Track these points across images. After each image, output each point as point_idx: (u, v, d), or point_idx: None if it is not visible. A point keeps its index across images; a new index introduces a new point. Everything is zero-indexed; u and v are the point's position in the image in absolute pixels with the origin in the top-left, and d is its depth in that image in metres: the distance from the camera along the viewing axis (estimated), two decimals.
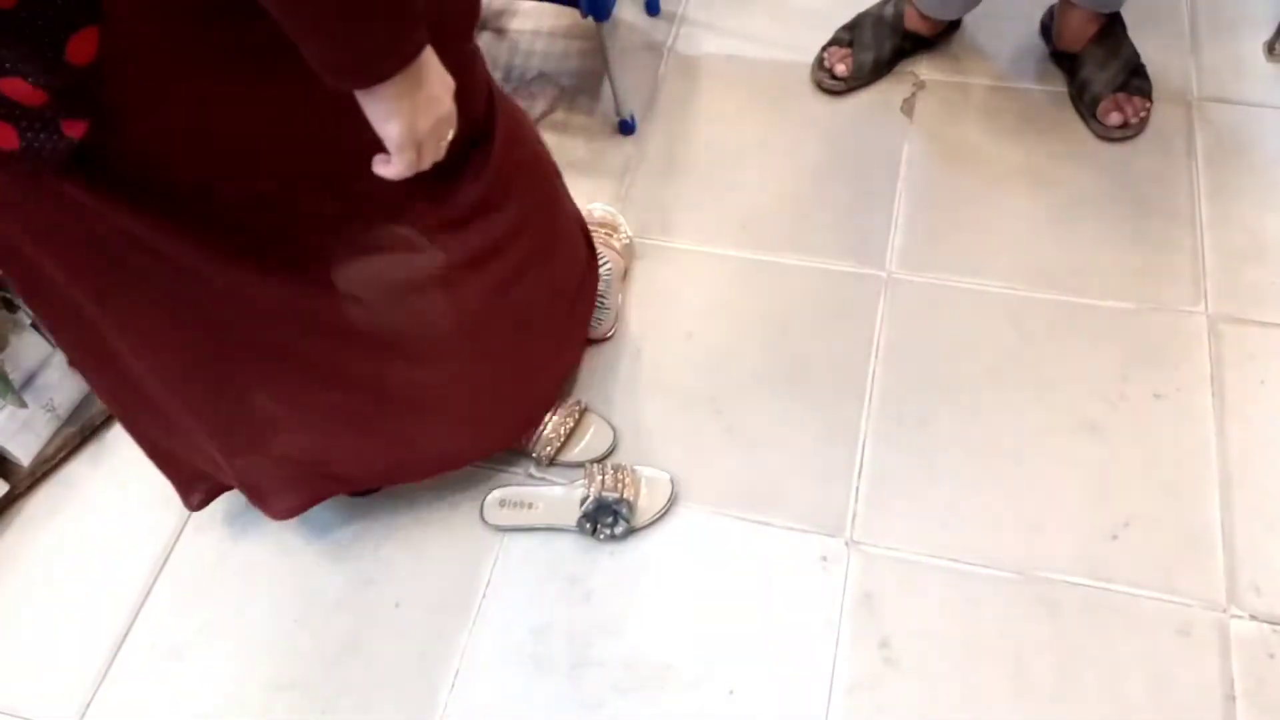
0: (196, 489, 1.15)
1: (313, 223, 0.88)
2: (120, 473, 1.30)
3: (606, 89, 1.59)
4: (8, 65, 0.61)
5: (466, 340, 1.11)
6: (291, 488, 1.13)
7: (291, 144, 0.79)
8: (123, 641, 1.18)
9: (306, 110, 0.75)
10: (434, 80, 0.72)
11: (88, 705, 1.14)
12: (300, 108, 0.75)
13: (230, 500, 1.24)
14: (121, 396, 1.02)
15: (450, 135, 0.78)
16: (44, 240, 0.80)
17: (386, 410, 1.07)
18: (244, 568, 1.22)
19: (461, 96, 0.82)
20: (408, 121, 0.71)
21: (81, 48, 0.63)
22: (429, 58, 0.70)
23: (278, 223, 0.86)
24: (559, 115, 1.61)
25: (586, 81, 1.65)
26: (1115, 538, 1.15)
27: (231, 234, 0.84)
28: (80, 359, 0.97)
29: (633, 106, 1.57)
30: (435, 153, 0.77)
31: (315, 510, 1.22)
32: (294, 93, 0.73)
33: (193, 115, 0.73)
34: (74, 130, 0.67)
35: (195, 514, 1.25)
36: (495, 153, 0.97)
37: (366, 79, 0.67)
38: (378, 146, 0.74)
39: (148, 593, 1.21)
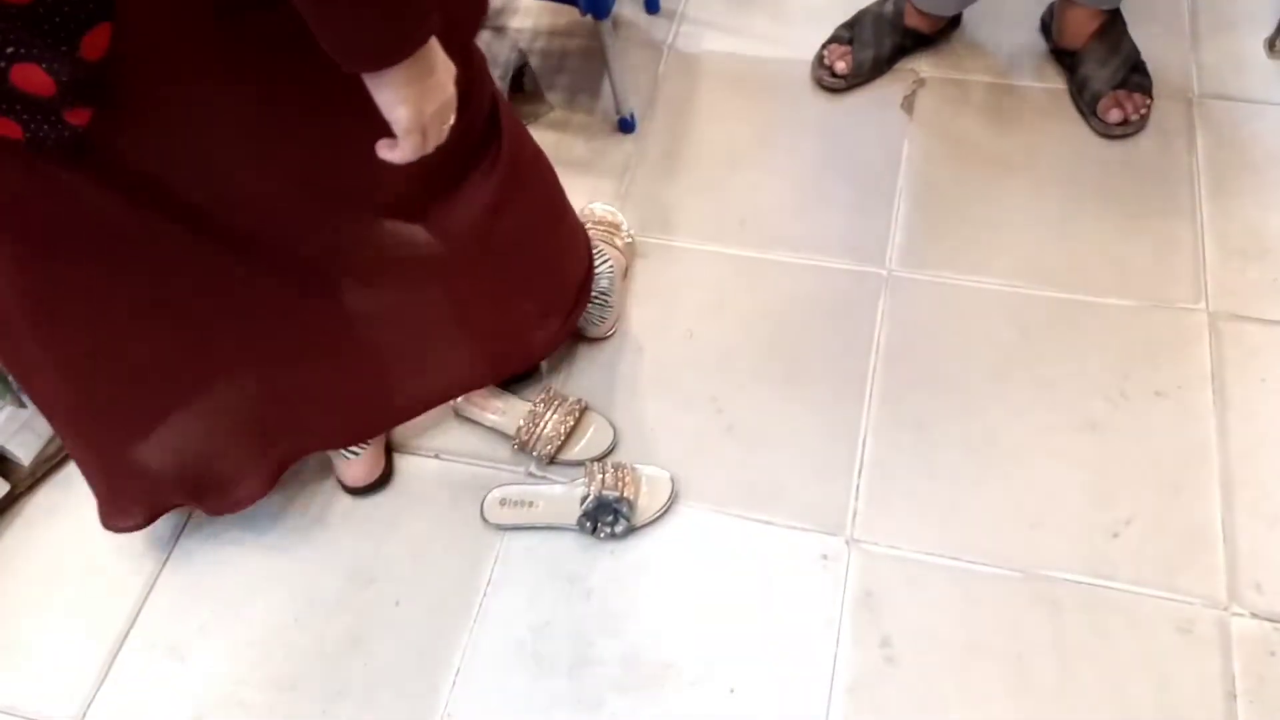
0: (133, 513, 1.13)
1: (321, 219, 0.89)
2: None
3: (606, 87, 1.58)
4: (23, 51, 0.62)
5: (464, 335, 1.12)
6: (256, 469, 1.14)
7: (300, 143, 0.79)
8: (123, 641, 1.17)
9: (317, 107, 0.76)
10: (439, 66, 0.73)
11: (88, 705, 1.13)
12: (311, 104, 0.76)
13: None
14: (78, 411, 1.00)
15: (452, 120, 0.79)
16: (31, 232, 0.80)
17: (369, 381, 1.09)
18: (244, 567, 1.21)
19: (470, 95, 0.82)
20: (415, 106, 0.72)
21: (95, 42, 0.64)
22: (435, 43, 0.71)
23: (283, 220, 0.86)
24: (559, 114, 1.61)
25: (586, 80, 1.65)
26: (1116, 536, 1.14)
27: (234, 227, 0.85)
28: (37, 369, 0.95)
29: (632, 104, 1.57)
30: (438, 136, 0.78)
31: (315, 509, 1.24)
32: (304, 89, 0.74)
33: (199, 109, 0.73)
34: (77, 118, 0.68)
35: (196, 514, 1.25)
36: (503, 150, 0.98)
37: (378, 62, 0.68)
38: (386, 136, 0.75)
39: (148, 592, 1.20)
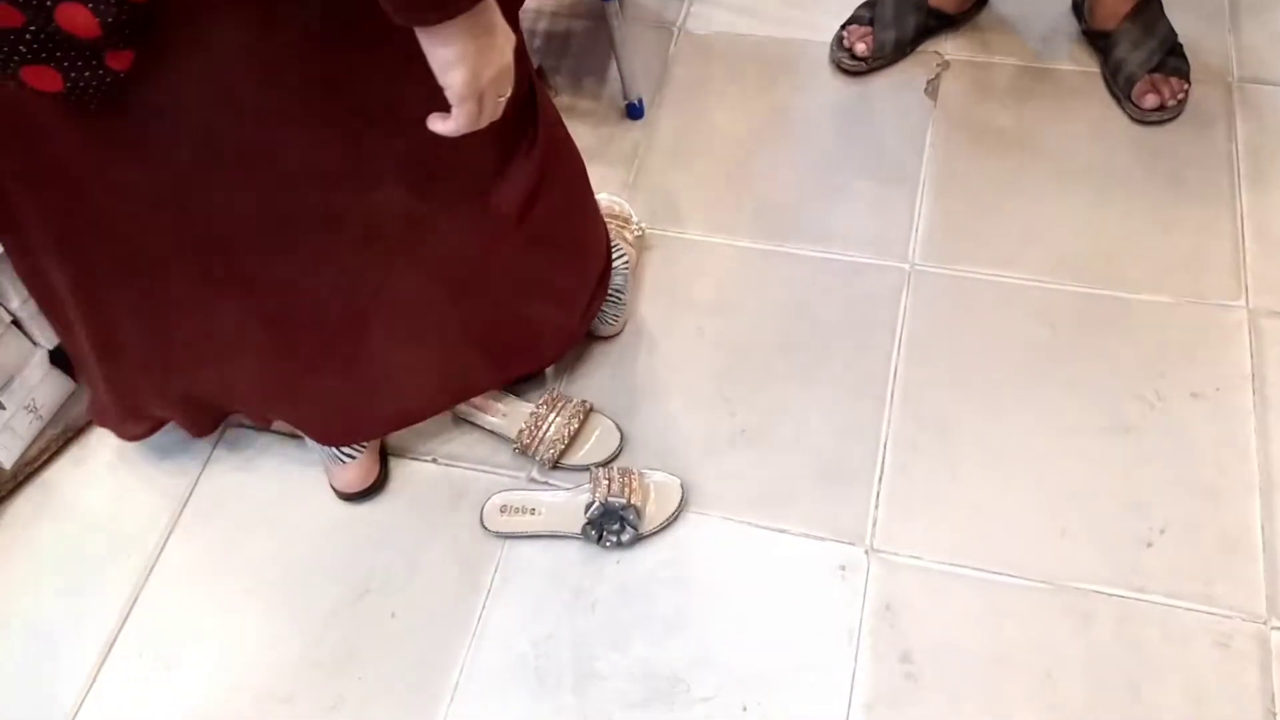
0: (139, 423, 1.19)
1: (358, 184, 0.87)
2: (104, 475, 1.28)
3: (614, 71, 1.57)
4: None
5: (473, 336, 1.10)
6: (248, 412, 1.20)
7: (349, 98, 0.78)
8: (109, 650, 1.15)
9: (370, 62, 0.75)
10: (499, 29, 0.71)
11: (74, 715, 1.11)
12: (364, 58, 0.75)
13: (222, 502, 1.23)
14: (96, 320, 1.01)
15: (509, 92, 0.77)
16: (67, 180, 0.81)
17: (367, 373, 1.07)
18: (236, 574, 1.19)
19: (515, 67, 0.81)
20: (472, 69, 0.70)
21: None
22: (494, 5, 0.69)
23: (319, 178, 0.85)
24: (564, 99, 1.59)
25: (593, 63, 1.63)
26: (1150, 545, 1.12)
27: (267, 181, 0.83)
28: (69, 300, 0.97)
29: (641, 89, 1.55)
30: (494, 111, 0.76)
31: (310, 516, 1.23)
32: (356, 40, 0.73)
33: (241, 55, 0.72)
34: (119, 63, 0.68)
35: (184, 518, 1.23)
36: (540, 131, 0.97)
37: (436, 14, 0.65)
38: (433, 108, 0.73)
39: (135, 599, 1.18)
